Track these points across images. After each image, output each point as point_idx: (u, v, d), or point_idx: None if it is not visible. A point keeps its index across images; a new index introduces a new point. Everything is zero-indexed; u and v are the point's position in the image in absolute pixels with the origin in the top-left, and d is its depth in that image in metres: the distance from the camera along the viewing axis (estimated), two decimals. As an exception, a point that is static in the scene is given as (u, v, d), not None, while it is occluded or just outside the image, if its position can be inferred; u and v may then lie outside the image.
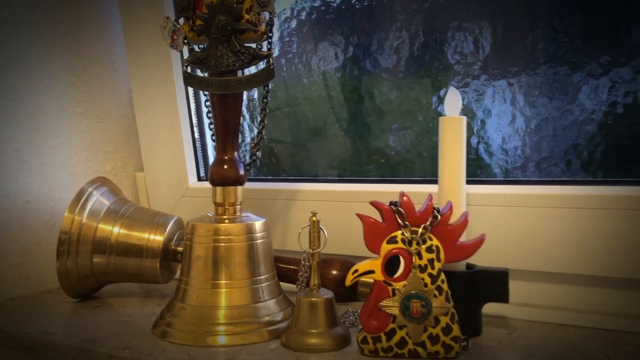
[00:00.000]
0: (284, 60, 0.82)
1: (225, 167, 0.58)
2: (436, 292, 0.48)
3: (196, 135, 0.84)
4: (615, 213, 0.55)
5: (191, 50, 0.58)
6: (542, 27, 0.63)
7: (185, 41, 0.58)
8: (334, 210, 0.69)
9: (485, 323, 0.56)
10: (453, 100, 0.55)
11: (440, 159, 0.55)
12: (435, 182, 0.56)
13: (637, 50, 0.58)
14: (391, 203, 0.49)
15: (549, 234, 0.58)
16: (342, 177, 0.78)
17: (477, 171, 0.68)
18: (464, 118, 0.54)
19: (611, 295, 0.56)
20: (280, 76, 0.82)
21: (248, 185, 0.79)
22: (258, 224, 0.58)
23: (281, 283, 0.62)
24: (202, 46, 0.58)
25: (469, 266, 0.55)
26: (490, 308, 0.58)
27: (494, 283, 0.53)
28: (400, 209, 0.49)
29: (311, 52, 0.80)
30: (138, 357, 0.49)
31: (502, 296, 0.53)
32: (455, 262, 0.50)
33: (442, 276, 0.48)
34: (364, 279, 0.49)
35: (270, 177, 0.84)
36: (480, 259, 0.58)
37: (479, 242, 0.49)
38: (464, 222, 0.49)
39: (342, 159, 0.79)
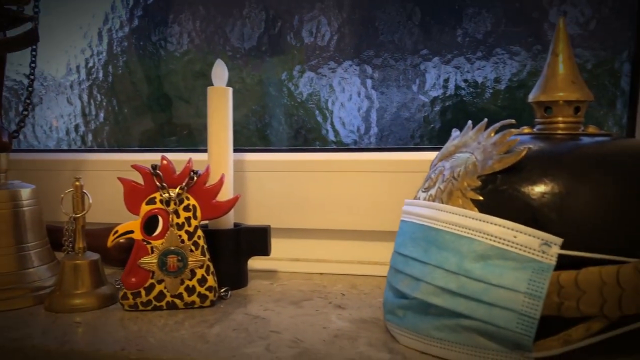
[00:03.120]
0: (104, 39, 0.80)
1: (-14, 132, 0.56)
2: (192, 248, 0.52)
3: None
4: (361, 175, 0.63)
5: (-58, 8, 0.55)
6: (379, 17, 0.69)
7: None
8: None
9: (256, 277, 0.62)
10: (220, 72, 0.59)
11: (208, 127, 0.59)
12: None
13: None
14: (152, 166, 0.52)
15: (309, 195, 0.65)
16: (131, 148, 0.79)
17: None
18: (230, 89, 0.59)
19: (355, 246, 0.65)
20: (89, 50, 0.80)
21: (39, 155, 0.76)
22: (25, 192, 0.57)
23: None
24: (-43, 5, 0.55)
25: (237, 225, 0.60)
26: (263, 264, 0.64)
27: (256, 239, 0.59)
28: (158, 171, 0.52)
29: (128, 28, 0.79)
30: None
31: (264, 250, 0.59)
32: (213, 219, 0.55)
33: (199, 232, 0.52)
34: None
35: (61, 149, 0.82)
36: (257, 219, 0.64)
37: (232, 201, 0.54)
38: (219, 183, 0.53)
39: (146, 131, 0.80)
